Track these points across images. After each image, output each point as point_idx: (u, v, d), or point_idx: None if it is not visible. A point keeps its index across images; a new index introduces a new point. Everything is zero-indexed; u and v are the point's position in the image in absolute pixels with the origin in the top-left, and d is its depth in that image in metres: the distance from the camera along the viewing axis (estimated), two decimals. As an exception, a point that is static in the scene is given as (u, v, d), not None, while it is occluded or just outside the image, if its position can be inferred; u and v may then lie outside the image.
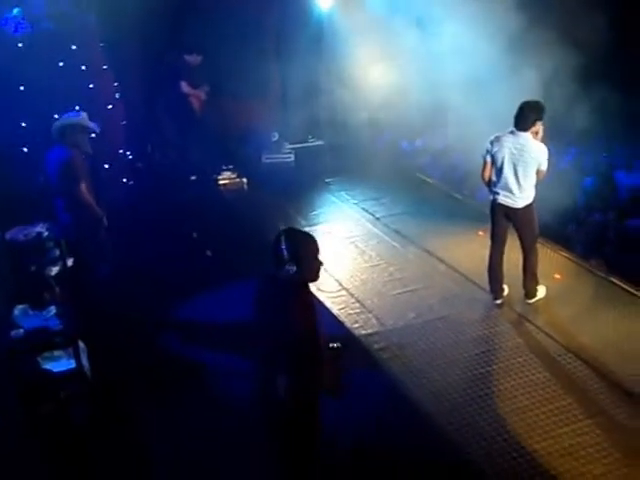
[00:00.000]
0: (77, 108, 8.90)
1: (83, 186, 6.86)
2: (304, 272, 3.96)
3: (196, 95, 10.97)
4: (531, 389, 5.93)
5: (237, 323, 6.35)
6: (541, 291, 7.15)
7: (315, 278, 4.03)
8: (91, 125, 7.05)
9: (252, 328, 4.22)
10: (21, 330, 5.40)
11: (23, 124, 9.45)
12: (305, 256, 3.95)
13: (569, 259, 8.04)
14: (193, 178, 10.88)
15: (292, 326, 3.84)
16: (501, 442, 5.37)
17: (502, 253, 7.04)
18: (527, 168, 6.60)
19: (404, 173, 11.01)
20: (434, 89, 9.85)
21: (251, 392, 4.28)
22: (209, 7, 10.79)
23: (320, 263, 4.01)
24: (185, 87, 10.84)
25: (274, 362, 3.96)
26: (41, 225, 6.92)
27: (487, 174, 6.86)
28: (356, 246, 8.66)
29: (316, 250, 3.99)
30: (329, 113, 11.58)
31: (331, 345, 4.15)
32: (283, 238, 3.95)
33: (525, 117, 6.57)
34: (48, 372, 5.44)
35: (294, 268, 3.91)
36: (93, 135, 7.28)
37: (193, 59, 10.85)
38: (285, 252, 3.90)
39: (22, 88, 9.27)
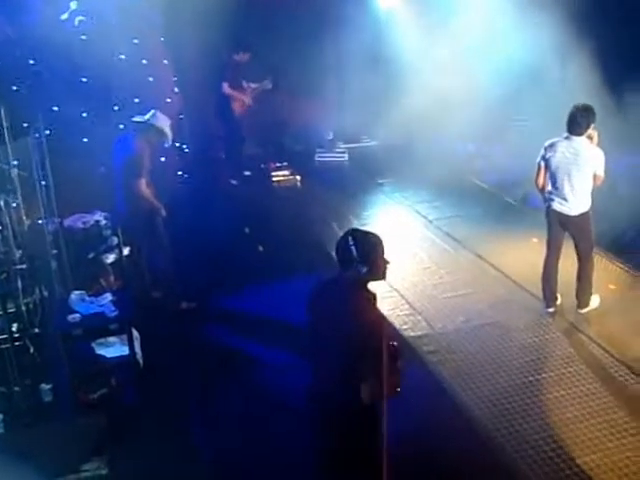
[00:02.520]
0: (136, 100, 9.08)
1: (143, 181, 6.89)
2: (373, 272, 3.96)
3: (237, 97, 10.94)
4: (581, 400, 5.83)
5: (285, 319, 6.53)
6: (595, 301, 7.03)
7: (383, 277, 4.04)
8: (169, 134, 7.07)
9: (308, 327, 4.20)
10: (77, 315, 5.51)
11: (84, 114, 9.67)
12: (374, 256, 3.95)
13: (625, 269, 7.88)
14: (247, 173, 10.94)
15: (363, 326, 3.82)
16: (548, 452, 5.29)
17: (557, 261, 6.94)
18: (582, 174, 6.50)
19: (458, 176, 10.94)
20: (491, 93, 9.81)
21: (306, 389, 4.27)
22: (269, 4, 10.89)
23: (387, 262, 4.01)
24: (226, 88, 10.80)
25: (334, 362, 3.92)
26: (99, 214, 7.09)
27: (541, 180, 6.77)
28: (408, 248, 8.61)
29: (383, 250, 3.99)
30: (384, 114, 11.52)
31: (391, 343, 4.14)
32: (351, 238, 3.94)
33: (578, 121, 6.47)
34: (101, 357, 5.56)
35: (364, 269, 3.91)
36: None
37: (240, 57, 10.78)
38: (354, 252, 3.90)
39: (84, 80, 9.48)
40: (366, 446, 4.15)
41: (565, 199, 6.62)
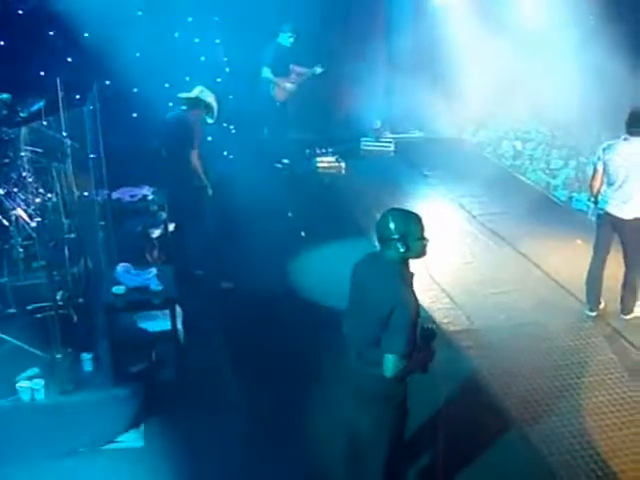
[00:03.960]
0: (187, 79, 9.10)
1: (195, 153, 7.01)
2: (412, 250, 3.98)
3: (278, 83, 10.92)
4: (621, 407, 5.73)
5: (325, 302, 6.53)
6: (639, 308, 6.92)
7: (423, 255, 4.06)
8: (215, 109, 7.24)
9: (349, 304, 4.25)
10: (122, 287, 5.55)
11: (135, 89, 9.73)
12: (414, 235, 3.96)
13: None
14: (285, 161, 10.90)
15: (404, 304, 3.87)
16: (586, 457, 5.21)
17: (604, 265, 6.83)
18: (642, 176, 6.39)
19: (503, 173, 10.85)
20: (543, 88, 9.69)
21: (343, 365, 4.32)
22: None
23: (426, 240, 4.02)
24: (267, 73, 10.80)
25: (374, 338, 3.96)
26: (147, 188, 7.14)
27: (597, 183, 6.65)
28: (451, 242, 8.53)
29: (422, 228, 4.00)
30: (433, 105, 11.44)
31: (426, 326, 4.19)
32: (391, 218, 3.96)
33: (638, 122, 6.35)
34: (143, 331, 5.60)
35: (404, 247, 3.93)
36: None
37: (286, 40, 10.72)
38: (394, 231, 3.91)
39: (137, 54, 9.53)
40: (389, 422, 4.18)
41: (623, 202, 6.49)
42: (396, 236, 3.92)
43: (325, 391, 5.45)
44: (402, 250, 3.94)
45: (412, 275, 4.09)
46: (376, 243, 4.12)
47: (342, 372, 4.35)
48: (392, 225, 3.93)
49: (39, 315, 5.63)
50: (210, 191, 7.14)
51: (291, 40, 10.63)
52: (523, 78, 10.54)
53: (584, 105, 9.19)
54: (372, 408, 4.15)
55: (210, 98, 7.18)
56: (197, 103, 7.10)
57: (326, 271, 7.18)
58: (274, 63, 10.70)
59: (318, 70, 10.93)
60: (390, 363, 3.91)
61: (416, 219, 4.02)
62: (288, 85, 10.86)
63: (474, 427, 5.39)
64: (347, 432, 4.46)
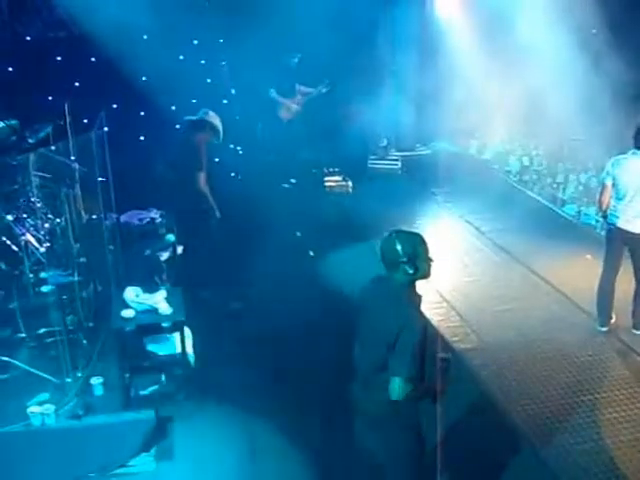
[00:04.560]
0: (194, 101, 9.16)
1: (203, 176, 7.05)
2: (420, 272, 3.97)
3: (284, 103, 10.98)
4: (635, 424, 5.66)
5: (334, 322, 6.50)
6: (651, 322, 6.88)
7: (429, 276, 4.04)
8: (221, 131, 7.30)
9: (357, 329, 4.22)
10: (131, 311, 5.56)
11: (142, 113, 9.81)
12: (421, 256, 3.95)
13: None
14: (293, 181, 10.92)
15: (411, 327, 3.84)
16: (599, 474, 5.15)
17: (614, 279, 6.79)
18: (653, 190, 6.38)
19: (510, 188, 10.84)
20: (549, 102, 9.69)
21: (350, 391, 4.28)
22: (324, 8, 10.86)
23: (431, 260, 4.01)
24: (273, 94, 10.89)
25: (381, 362, 3.94)
26: (155, 211, 7.17)
27: (606, 198, 6.61)
28: (459, 259, 8.54)
29: (428, 248, 4.00)
30: (440, 123, 11.47)
31: (442, 355, 4.10)
32: (397, 240, 3.94)
33: None
34: (153, 354, 5.60)
35: (412, 269, 3.91)
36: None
37: (290, 60, 10.84)
38: (402, 253, 3.90)
39: (144, 78, 9.61)
40: (403, 447, 4.14)
41: (634, 217, 6.47)
42: (404, 258, 3.90)
43: (341, 418, 5.36)
44: (411, 272, 3.93)
45: (420, 297, 4.07)
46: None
47: (351, 398, 4.30)
48: (399, 247, 3.91)
49: (49, 340, 5.64)
50: (218, 213, 7.16)
51: (295, 61, 10.71)
52: (528, 94, 10.54)
53: (589, 120, 9.18)
54: (383, 432, 4.10)
55: (215, 120, 7.22)
56: (203, 126, 7.14)
57: (336, 291, 7.15)
58: (279, 83, 10.77)
59: (323, 90, 11.00)
60: (396, 386, 3.86)
61: (422, 240, 4.01)
62: (294, 106, 10.94)
63: (486, 446, 5.35)
64: (366, 462, 4.38)
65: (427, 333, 3.94)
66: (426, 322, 3.99)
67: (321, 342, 6.50)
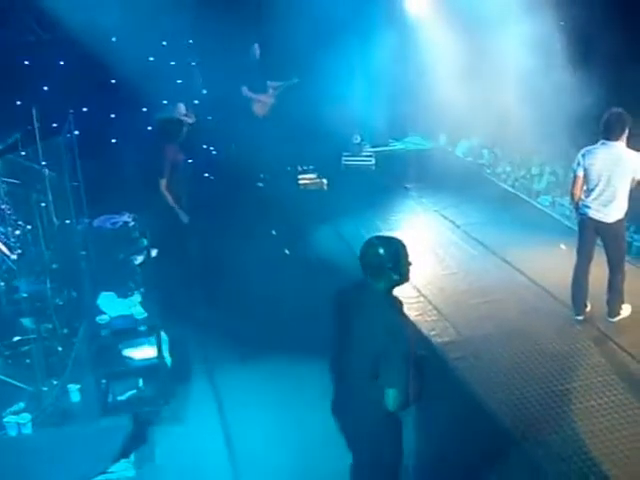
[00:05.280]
0: (164, 102, 9.12)
1: (164, 182, 7.03)
2: (403, 277, 3.93)
3: (257, 99, 10.98)
4: (611, 410, 5.71)
5: (309, 326, 6.49)
6: (626, 310, 6.92)
7: (407, 280, 4.00)
8: (184, 118, 7.16)
9: (334, 334, 4.16)
10: (106, 316, 5.52)
11: (112, 115, 9.74)
12: (404, 261, 3.92)
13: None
14: (265, 178, 10.90)
15: (402, 338, 3.78)
16: (578, 462, 5.18)
17: (588, 268, 6.84)
18: (623, 179, 6.42)
19: (484, 181, 10.90)
20: (517, 97, 9.74)
21: (331, 401, 4.27)
22: (293, 6, 10.85)
23: (410, 264, 3.97)
24: (245, 92, 10.88)
25: (370, 372, 3.87)
26: (127, 215, 7.11)
27: (578, 189, 6.67)
28: (435, 253, 8.57)
29: (408, 253, 3.96)
30: (413, 118, 11.50)
31: (419, 352, 4.06)
32: (380, 246, 3.88)
33: (614, 126, 6.41)
34: (129, 359, 5.56)
35: (397, 275, 3.88)
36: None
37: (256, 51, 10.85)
38: (386, 260, 3.85)
39: (113, 81, 9.54)
40: (390, 456, 4.13)
41: (604, 206, 6.53)
42: (389, 265, 3.85)
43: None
44: (396, 278, 3.89)
45: (401, 303, 4.02)
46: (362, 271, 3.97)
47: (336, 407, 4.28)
48: (383, 253, 3.85)
49: (23, 348, 5.58)
50: (184, 218, 7.12)
51: (258, 52, 10.72)
52: (499, 88, 10.59)
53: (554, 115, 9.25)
54: (371, 441, 4.06)
55: (184, 116, 7.15)
56: (170, 132, 7.07)
57: (310, 291, 7.12)
58: (250, 80, 10.76)
59: (295, 80, 10.99)
60: (392, 397, 3.81)
61: (402, 244, 3.97)
62: (268, 100, 10.92)
63: (466, 438, 5.37)
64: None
65: (415, 340, 3.91)
66: (413, 329, 3.95)
67: (298, 344, 6.50)
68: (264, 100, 10.97)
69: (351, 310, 4.02)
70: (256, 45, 10.78)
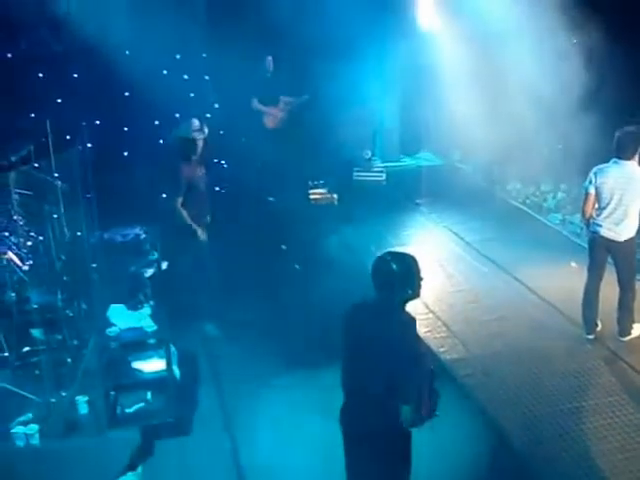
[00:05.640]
0: (177, 115, 9.14)
1: (179, 200, 6.89)
2: (415, 292, 3.95)
3: (268, 112, 11.02)
4: (621, 430, 5.69)
5: (320, 341, 6.48)
6: (637, 329, 6.89)
7: (419, 295, 4.02)
8: (195, 134, 6.98)
9: (344, 349, 4.15)
10: (116, 328, 5.52)
11: (125, 128, 9.78)
12: (416, 277, 3.93)
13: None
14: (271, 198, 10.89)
15: (414, 353, 3.80)
16: (588, 483, 5.18)
17: (599, 287, 6.83)
18: (635, 198, 6.42)
19: (495, 198, 10.88)
20: (529, 114, 9.73)
21: (340, 412, 4.25)
22: (307, 24, 10.91)
23: (421, 280, 3.99)
24: (255, 104, 10.91)
25: (384, 388, 3.87)
26: (139, 227, 7.12)
27: (590, 207, 6.65)
28: (444, 269, 8.56)
29: (420, 268, 3.97)
30: (424, 134, 11.51)
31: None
32: (393, 261, 3.90)
33: (627, 146, 6.42)
34: (138, 371, 5.56)
35: (411, 290, 3.90)
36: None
37: (269, 65, 10.86)
38: (399, 275, 3.87)
39: (126, 94, 9.59)
40: (399, 472, 4.12)
41: (615, 225, 6.53)
42: (401, 280, 3.87)
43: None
44: (410, 293, 3.91)
45: (414, 319, 3.99)
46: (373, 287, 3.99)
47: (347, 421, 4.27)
48: (396, 269, 3.87)
49: (33, 359, 5.58)
50: (202, 235, 7.05)
51: (271, 65, 10.76)
52: (512, 104, 10.59)
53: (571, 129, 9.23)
54: (380, 452, 4.04)
55: (200, 133, 7.03)
56: (187, 155, 6.98)
57: (321, 306, 7.11)
58: (261, 93, 10.80)
59: (306, 97, 11.02)
60: (409, 414, 3.82)
61: (415, 260, 3.98)
62: (279, 113, 10.96)
63: (474, 456, 5.35)
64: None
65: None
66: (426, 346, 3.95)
67: (308, 357, 6.49)
68: (274, 113, 11.00)
69: (364, 326, 4.02)
70: (270, 58, 10.82)
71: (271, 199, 10.72)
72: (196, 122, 6.98)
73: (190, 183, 6.94)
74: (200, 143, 7.01)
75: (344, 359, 4.16)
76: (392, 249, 4.27)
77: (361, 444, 4.13)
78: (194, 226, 7.01)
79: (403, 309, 3.97)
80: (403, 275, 3.87)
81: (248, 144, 10.88)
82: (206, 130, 7.05)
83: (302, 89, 11.08)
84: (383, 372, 3.83)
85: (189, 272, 7.07)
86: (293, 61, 10.97)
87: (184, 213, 6.94)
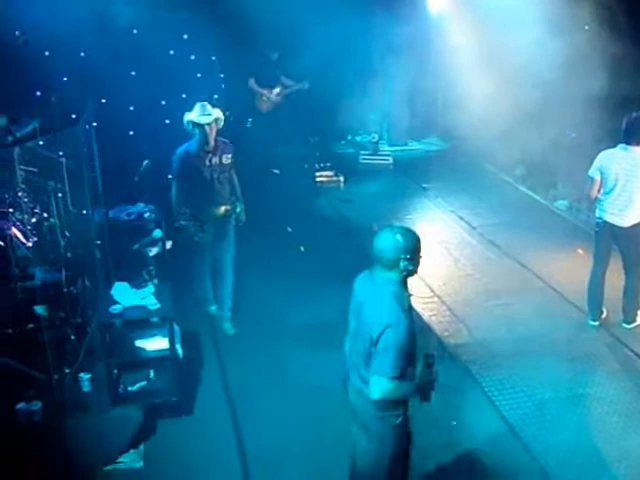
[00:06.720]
0: (184, 96, 9.10)
1: (177, 185, 6.58)
2: (415, 268, 3.94)
3: (261, 93, 10.91)
4: (625, 417, 5.67)
5: (323, 323, 6.48)
6: (642, 316, 6.88)
7: (417, 272, 4.00)
8: (197, 119, 6.40)
9: (349, 322, 4.18)
10: (119, 306, 5.51)
11: (131, 108, 9.75)
12: (418, 252, 3.92)
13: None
14: (276, 171, 10.81)
15: (397, 327, 3.77)
16: (590, 469, 5.15)
17: (604, 274, 6.79)
18: (640, 184, 6.38)
19: (502, 183, 10.83)
20: (535, 99, 9.66)
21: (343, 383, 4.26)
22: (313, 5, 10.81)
23: (421, 257, 3.98)
24: (252, 84, 10.81)
25: (365, 357, 3.90)
26: (143, 206, 7.09)
27: (595, 192, 6.59)
28: (450, 254, 8.53)
29: (421, 247, 3.96)
30: (432, 118, 11.45)
31: (428, 353, 4.04)
32: (397, 236, 3.87)
33: (635, 131, 6.35)
34: (142, 349, 5.55)
35: (412, 265, 3.89)
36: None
37: (271, 54, 10.78)
38: (402, 250, 3.84)
39: (133, 73, 9.55)
40: (386, 458, 4.11)
41: (621, 210, 6.48)
42: (404, 255, 3.84)
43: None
44: (411, 268, 3.89)
45: (410, 296, 4.00)
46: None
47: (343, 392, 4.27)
48: (400, 243, 3.84)
49: (36, 335, 5.58)
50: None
51: (276, 56, 10.67)
52: (520, 91, 10.51)
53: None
54: (368, 426, 4.07)
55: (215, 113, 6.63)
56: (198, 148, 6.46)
57: (325, 289, 7.11)
58: (259, 73, 10.71)
59: (306, 85, 10.89)
60: (376, 385, 3.80)
61: (417, 236, 3.97)
62: (272, 96, 10.85)
63: (477, 441, 5.35)
64: (351, 452, 4.35)
65: (414, 334, 3.87)
66: (413, 323, 3.89)
67: (310, 338, 6.49)
68: (267, 95, 10.85)
69: (362, 296, 4.03)
70: (277, 54, 10.71)
71: (276, 171, 10.64)
72: (208, 107, 6.48)
73: (194, 171, 6.52)
74: (211, 130, 6.42)
75: (348, 325, 4.20)
76: (400, 225, 4.24)
77: (356, 417, 4.16)
78: (183, 210, 6.55)
79: (401, 283, 3.94)
80: (408, 250, 3.85)
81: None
82: (219, 115, 6.57)
83: (307, 74, 10.93)
84: (367, 341, 3.84)
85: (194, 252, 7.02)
86: (302, 44, 10.85)
87: (180, 200, 6.58)
